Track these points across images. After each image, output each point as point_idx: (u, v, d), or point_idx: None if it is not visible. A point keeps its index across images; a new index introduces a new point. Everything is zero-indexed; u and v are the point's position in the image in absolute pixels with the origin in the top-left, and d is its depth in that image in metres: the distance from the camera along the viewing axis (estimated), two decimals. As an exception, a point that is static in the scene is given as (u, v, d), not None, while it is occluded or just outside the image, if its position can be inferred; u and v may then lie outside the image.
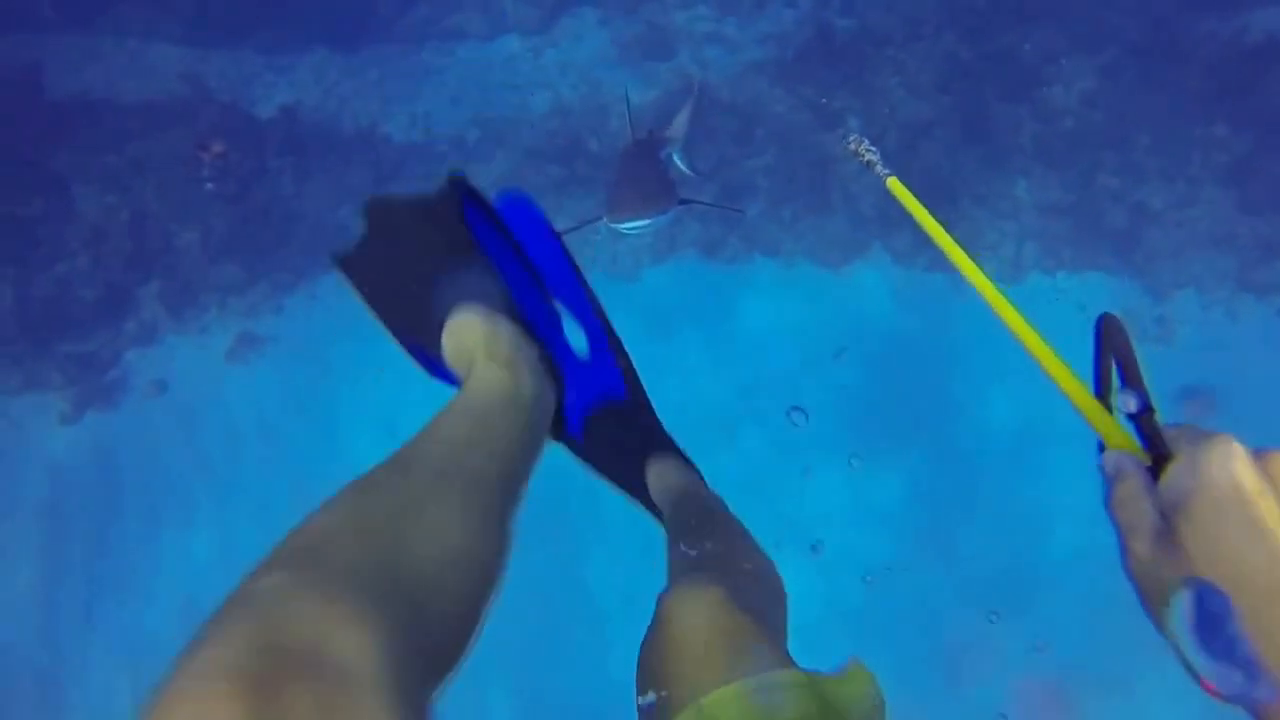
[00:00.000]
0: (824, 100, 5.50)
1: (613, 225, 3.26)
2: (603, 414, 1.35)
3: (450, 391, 1.03)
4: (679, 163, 4.08)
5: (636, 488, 1.44)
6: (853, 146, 1.38)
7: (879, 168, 1.27)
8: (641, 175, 3.43)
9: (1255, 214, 5.52)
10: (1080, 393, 0.77)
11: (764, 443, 5.18)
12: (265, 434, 5.38)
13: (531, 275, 1.18)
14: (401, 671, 0.59)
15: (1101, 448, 0.76)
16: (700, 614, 1.07)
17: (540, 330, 1.16)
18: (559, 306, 1.26)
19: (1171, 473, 0.67)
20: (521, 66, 5.68)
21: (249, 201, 5.23)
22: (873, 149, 1.33)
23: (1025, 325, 0.83)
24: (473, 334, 1.03)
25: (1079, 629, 4.50)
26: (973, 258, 0.93)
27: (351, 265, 1.16)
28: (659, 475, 1.40)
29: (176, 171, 5.11)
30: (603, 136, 5.64)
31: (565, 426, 1.31)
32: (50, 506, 5.38)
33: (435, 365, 1.17)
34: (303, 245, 5.39)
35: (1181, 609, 0.62)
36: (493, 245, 1.14)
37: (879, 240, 5.57)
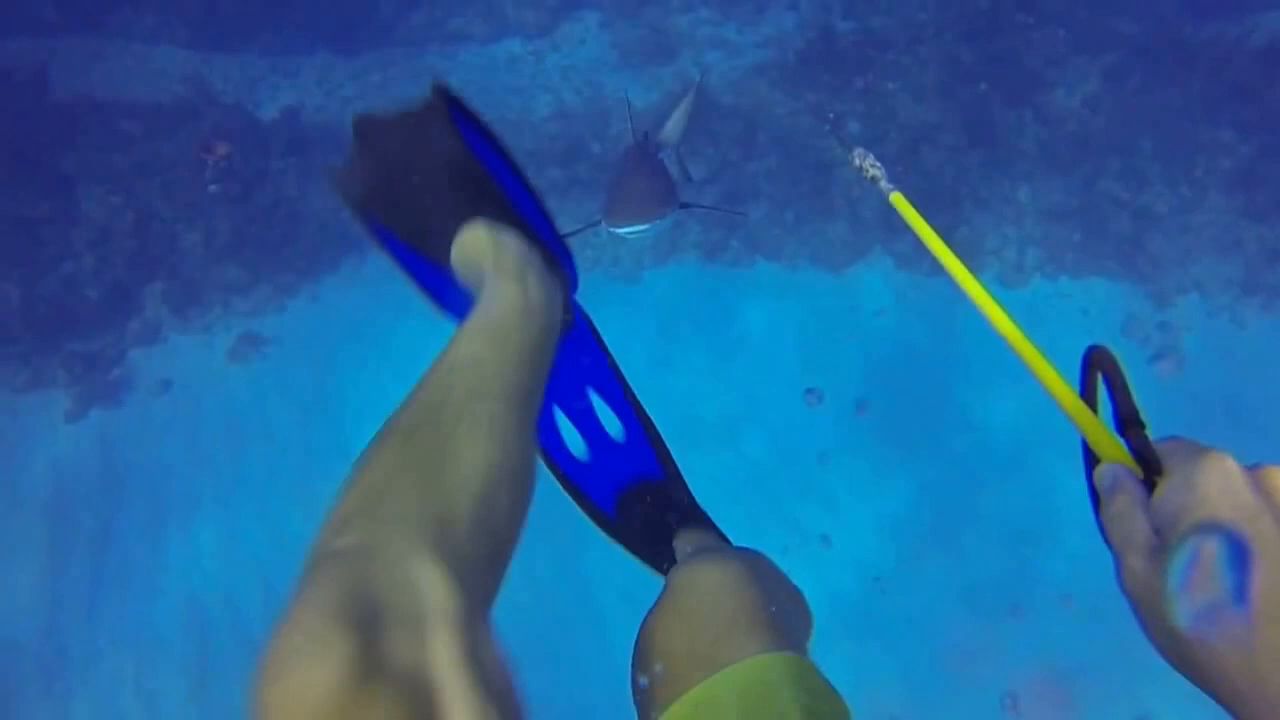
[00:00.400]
0: (830, 116, 5.49)
1: (611, 230, 3.26)
2: (637, 492, 1.46)
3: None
4: (669, 166, 4.08)
5: (666, 561, 1.47)
6: (857, 162, 1.38)
7: (883, 183, 1.28)
8: (641, 179, 3.42)
9: (1261, 220, 5.48)
10: (1077, 406, 0.77)
11: (765, 444, 5.18)
12: (267, 433, 5.42)
13: (521, 179, 1.16)
14: (475, 600, 0.66)
15: (1092, 459, 0.76)
16: (722, 585, 1.07)
17: (539, 232, 1.13)
18: (593, 395, 1.44)
19: (1166, 489, 0.66)
20: (523, 69, 5.70)
21: (252, 202, 5.27)
22: (877, 164, 1.33)
23: (1022, 338, 0.83)
24: (480, 249, 1.01)
25: (1084, 635, 4.48)
26: (973, 271, 0.93)
27: (348, 187, 1.11)
28: (687, 540, 1.45)
29: (180, 173, 5.16)
30: (604, 140, 5.65)
31: (597, 505, 1.45)
32: (55, 502, 5.43)
33: (442, 288, 1.14)
34: (305, 246, 5.43)
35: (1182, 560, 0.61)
36: (482, 152, 1.11)
37: (881, 244, 5.57)
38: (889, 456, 5.07)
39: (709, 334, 5.58)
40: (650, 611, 1.13)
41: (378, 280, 5.59)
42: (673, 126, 3.91)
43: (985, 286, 0.90)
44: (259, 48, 5.56)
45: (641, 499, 1.47)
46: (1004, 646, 4.58)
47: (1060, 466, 4.96)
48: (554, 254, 1.10)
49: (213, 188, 5.28)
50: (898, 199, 1.16)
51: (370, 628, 0.57)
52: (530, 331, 0.93)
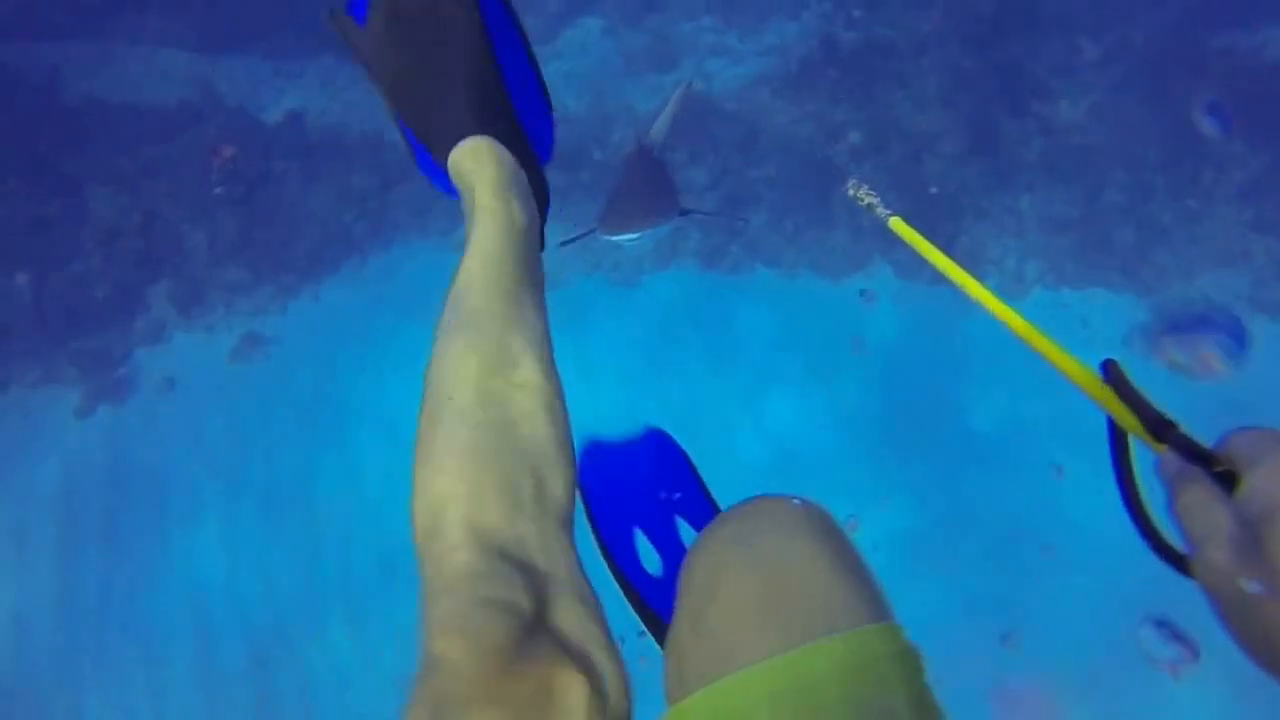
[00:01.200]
0: (836, 147, 5.47)
1: (605, 237, 3.27)
2: None
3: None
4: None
5: None
6: (852, 191, 1.41)
7: (880, 209, 1.30)
8: (640, 186, 3.42)
9: (1269, 232, 5.39)
10: (1116, 404, 0.77)
11: (763, 447, 5.18)
12: (268, 432, 5.49)
13: (535, 74, 1.19)
14: (569, 546, 0.82)
15: (1119, 446, 0.77)
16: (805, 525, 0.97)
17: (531, 132, 1.18)
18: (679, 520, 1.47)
19: (1255, 480, 0.65)
20: (526, 74, 5.75)
21: (255, 204, 5.35)
22: (873, 193, 1.36)
23: (1043, 339, 0.86)
24: (478, 165, 1.05)
25: (1079, 642, 4.44)
26: (983, 284, 0.96)
27: (356, 37, 1.13)
28: None
29: (186, 174, 5.25)
30: (606, 146, 5.68)
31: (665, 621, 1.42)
32: (65, 495, 5.54)
33: (432, 168, 1.16)
34: (307, 248, 5.51)
35: None
36: (499, 41, 1.15)
37: (880, 253, 5.54)
38: (888, 462, 5.06)
39: (708, 339, 5.59)
40: (705, 542, 1.00)
41: (379, 281, 5.66)
42: (657, 128, 3.92)
43: (996, 295, 0.93)
44: (263, 51, 5.65)
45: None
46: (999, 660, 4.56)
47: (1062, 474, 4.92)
48: (539, 175, 1.14)
49: (218, 190, 5.36)
50: (897, 223, 1.18)
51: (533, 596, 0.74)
52: (521, 252, 1.01)
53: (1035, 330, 0.87)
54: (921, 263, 4.43)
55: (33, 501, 5.51)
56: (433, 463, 0.85)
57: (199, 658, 5.05)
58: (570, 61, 5.82)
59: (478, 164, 1.04)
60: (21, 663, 5.22)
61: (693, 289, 5.72)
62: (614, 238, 3.26)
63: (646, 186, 3.42)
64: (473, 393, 0.86)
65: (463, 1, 1.10)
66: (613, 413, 5.53)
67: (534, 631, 0.76)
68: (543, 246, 1.15)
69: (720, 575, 0.94)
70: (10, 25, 5.48)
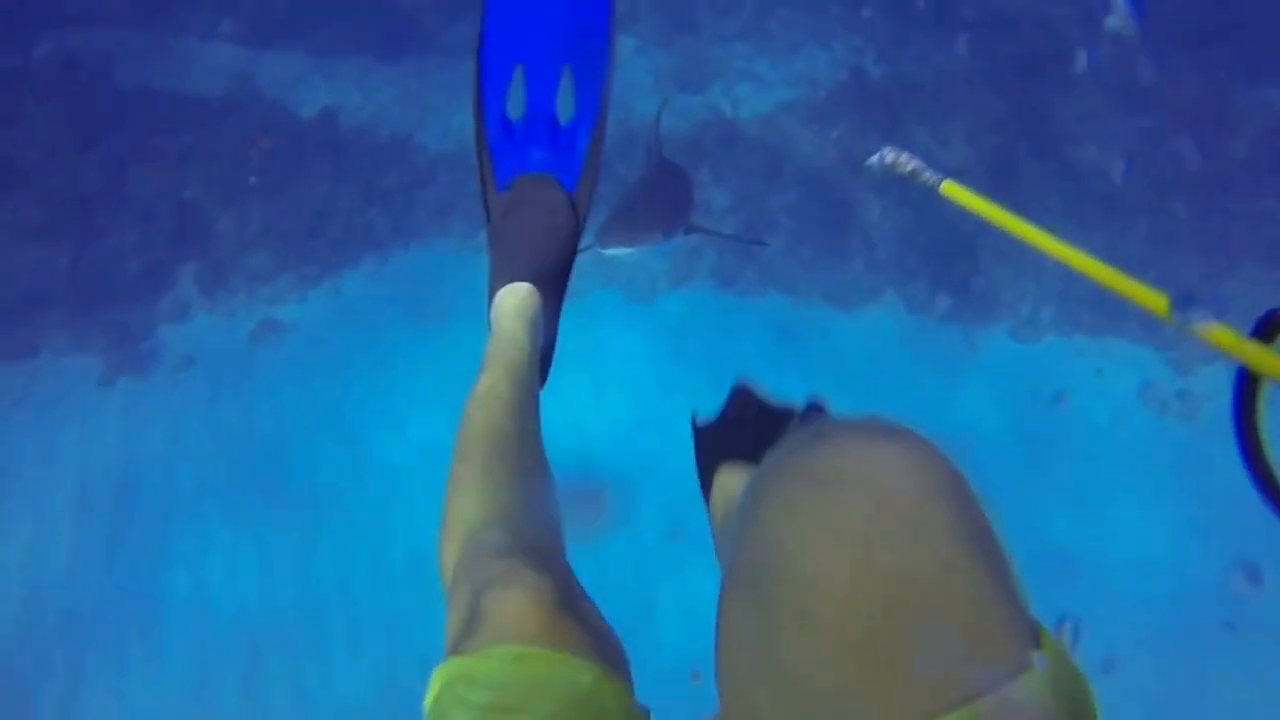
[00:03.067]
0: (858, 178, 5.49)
1: (600, 250, 3.26)
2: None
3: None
4: None
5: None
6: (889, 159, 1.34)
7: (927, 175, 1.24)
8: (642, 201, 3.40)
9: (1298, 292, 5.26)
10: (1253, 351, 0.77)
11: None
12: (279, 416, 5.62)
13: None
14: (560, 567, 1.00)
15: (1244, 393, 0.77)
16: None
17: None
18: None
19: None
20: (557, 88, 5.87)
21: (285, 195, 5.54)
22: (913, 158, 1.29)
23: (1134, 285, 0.86)
24: (510, 295, 1.37)
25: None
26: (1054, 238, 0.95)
27: (492, 195, 1.47)
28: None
29: (222, 162, 5.46)
30: (630, 162, 5.75)
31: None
32: (82, 461, 5.70)
33: None
34: (332, 241, 5.67)
35: None
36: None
37: (894, 287, 5.52)
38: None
39: (718, 360, 5.60)
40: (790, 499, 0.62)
41: (397, 278, 5.79)
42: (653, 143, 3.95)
43: (1072, 248, 0.94)
44: (305, 48, 5.87)
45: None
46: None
47: (1060, 509, 4.83)
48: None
49: (253, 179, 5.55)
50: (950, 188, 1.15)
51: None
52: (534, 380, 1.31)
53: (1116, 274, 0.88)
54: (934, 298, 4.40)
55: (51, 464, 5.68)
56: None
57: (196, 624, 5.16)
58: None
59: (512, 295, 1.35)
60: (30, 615, 5.38)
61: (707, 309, 5.75)
62: (606, 251, 3.27)
63: (649, 202, 3.42)
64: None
65: (574, 217, 1.43)
66: (619, 426, 5.57)
67: (568, 601, 0.89)
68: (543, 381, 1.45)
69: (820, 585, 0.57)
70: (72, 13, 5.78)
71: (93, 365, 5.83)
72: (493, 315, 1.40)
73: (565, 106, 1.47)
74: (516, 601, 0.87)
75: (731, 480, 1.34)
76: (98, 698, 5.01)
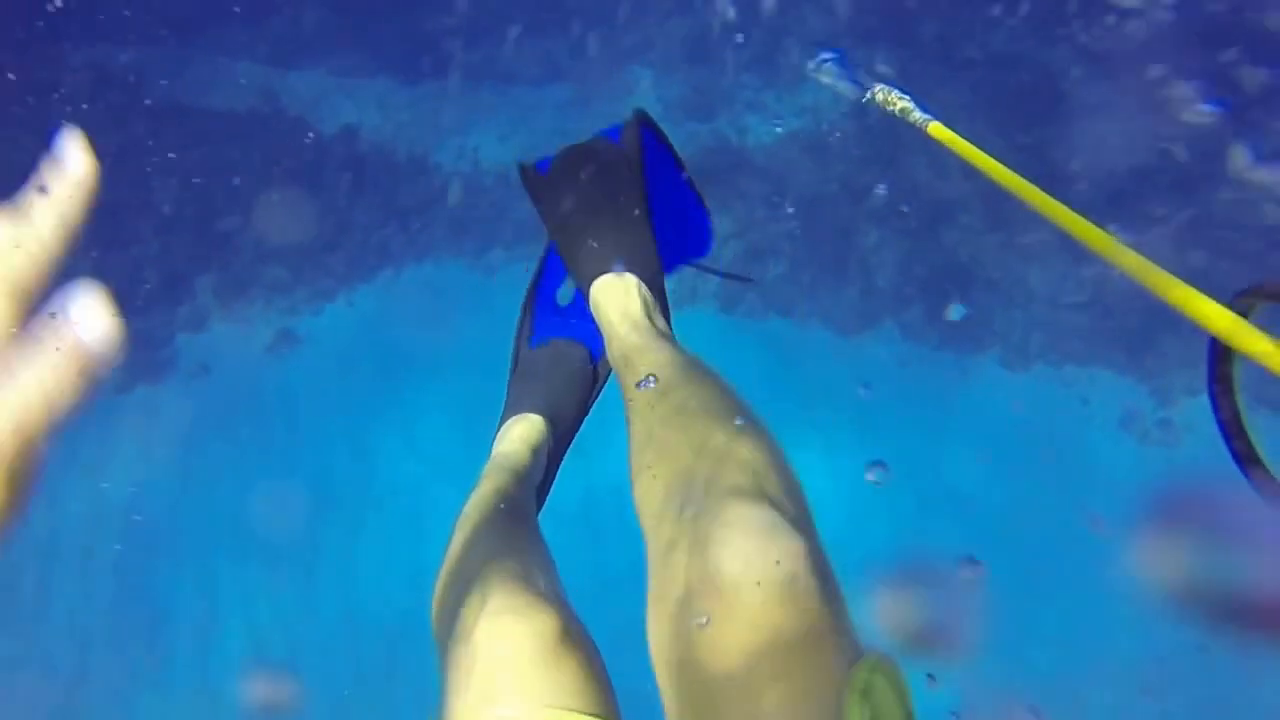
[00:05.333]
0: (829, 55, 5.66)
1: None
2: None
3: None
4: None
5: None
6: (880, 97, 1.42)
7: (915, 114, 1.32)
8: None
9: None
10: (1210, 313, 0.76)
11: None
12: (291, 426, 5.77)
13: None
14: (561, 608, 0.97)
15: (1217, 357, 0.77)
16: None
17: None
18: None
19: None
20: (570, 113, 6.06)
21: (304, 210, 5.70)
22: (904, 95, 1.37)
23: (1112, 244, 0.86)
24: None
25: None
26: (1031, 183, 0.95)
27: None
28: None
29: (245, 176, 5.63)
30: (639, 186, 5.94)
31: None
32: (96, 466, 5.82)
33: (575, 301, 1.51)
34: (347, 256, 5.84)
35: None
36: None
37: (891, 315, 5.71)
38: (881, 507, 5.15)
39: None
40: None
41: (410, 294, 5.95)
42: None
43: (1042, 191, 0.91)
44: (328, 68, 6.06)
45: (584, 160, 1.43)
46: None
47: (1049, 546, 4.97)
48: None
49: (275, 196, 5.72)
50: (937, 129, 1.22)
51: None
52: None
53: (1100, 233, 0.87)
54: (930, 327, 4.57)
55: (70, 469, 5.80)
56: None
57: (197, 631, 5.28)
58: (612, 103, 6.12)
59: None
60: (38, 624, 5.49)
61: (708, 332, 5.92)
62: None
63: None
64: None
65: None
66: (616, 446, 5.72)
67: (568, 632, 0.87)
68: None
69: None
70: (105, 30, 5.95)
71: (110, 372, 5.96)
72: (498, 437, 1.44)
73: None
74: (514, 635, 0.84)
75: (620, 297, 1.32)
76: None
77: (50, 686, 5.32)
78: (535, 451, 1.40)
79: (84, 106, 5.29)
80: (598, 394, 1.53)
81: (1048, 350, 5.51)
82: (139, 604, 5.53)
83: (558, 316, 1.56)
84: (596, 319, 1.33)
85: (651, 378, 1.13)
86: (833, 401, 5.50)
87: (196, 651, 5.34)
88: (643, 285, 1.31)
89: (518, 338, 1.56)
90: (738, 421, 0.99)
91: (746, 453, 0.92)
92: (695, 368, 1.15)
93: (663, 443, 1.01)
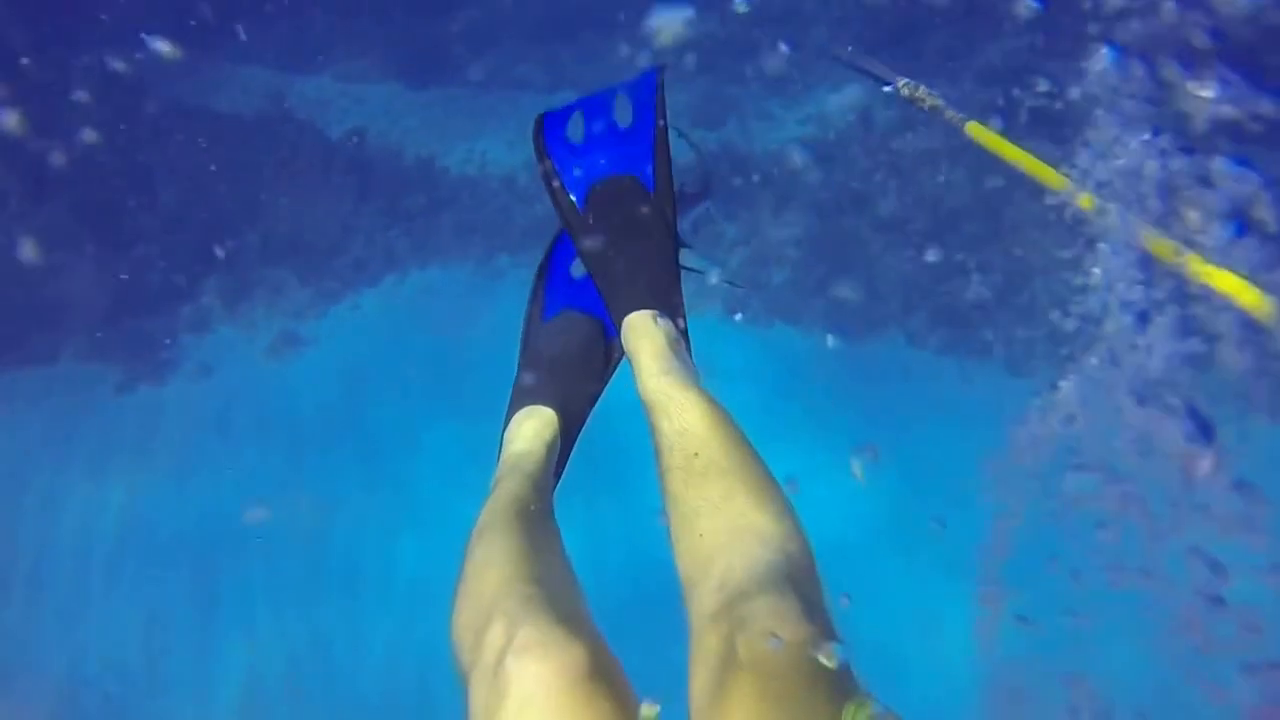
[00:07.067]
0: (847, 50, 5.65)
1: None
2: (615, 190, 1.44)
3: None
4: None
5: (616, 303, 1.45)
6: (907, 93, 1.38)
7: (949, 113, 1.29)
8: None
9: None
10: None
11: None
12: (293, 427, 5.71)
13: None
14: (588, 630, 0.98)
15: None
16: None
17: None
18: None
19: None
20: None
21: (310, 212, 5.71)
22: (933, 92, 1.34)
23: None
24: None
25: None
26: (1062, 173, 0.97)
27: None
28: (643, 337, 1.42)
29: (251, 178, 5.64)
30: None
31: (566, 188, 1.46)
32: (98, 464, 5.76)
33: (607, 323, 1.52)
34: (353, 259, 5.83)
35: None
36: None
37: (896, 321, 5.71)
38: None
39: (723, 385, 5.73)
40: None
41: (415, 298, 5.93)
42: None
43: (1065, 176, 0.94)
44: (334, 73, 6.08)
45: (618, 200, 1.42)
46: None
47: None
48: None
49: (280, 198, 5.73)
50: (975, 128, 1.20)
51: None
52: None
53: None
54: (934, 330, 4.53)
55: (68, 466, 5.74)
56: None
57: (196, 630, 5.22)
58: (618, 111, 6.17)
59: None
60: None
61: (713, 338, 5.91)
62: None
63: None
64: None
65: (660, 211, 1.43)
66: (619, 447, 5.69)
67: (600, 667, 0.86)
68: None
69: None
70: (113, 33, 5.97)
71: (111, 372, 5.92)
72: (510, 432, 1.43)
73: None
74: (543, 673, 0.84)
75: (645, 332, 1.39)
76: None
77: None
78: (549, 449, 1.40)
79: (91, 108, 5.28)
80: (610, 375, 1.53)
81: (1049, 355, 5.52)
82: (135, 609, 5.46)
83: (571, 287, 1.57)
84: (627, 353, 1.39)
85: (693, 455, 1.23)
86: (837, 407, 5.49)
87: (196, 655, 5.27)
88: (671, 325, 1.39)
89: (529, 312, 1.57)
90: (763, 489, 1.13)
91: (770, 527, 1.05)
92: (722, 425, 1.26)
93: (699, 510, 1.12)
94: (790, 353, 5.73)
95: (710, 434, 1.22)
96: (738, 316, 5.65)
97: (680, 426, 1.24)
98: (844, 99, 6.11)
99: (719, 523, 1.07)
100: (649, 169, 1.45)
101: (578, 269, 1.56)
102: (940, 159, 5.77)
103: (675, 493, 1.17)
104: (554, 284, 1.57)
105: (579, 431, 1.49)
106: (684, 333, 1.45)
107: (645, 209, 1.42)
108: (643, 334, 1.37)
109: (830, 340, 5.52)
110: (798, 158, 5.98)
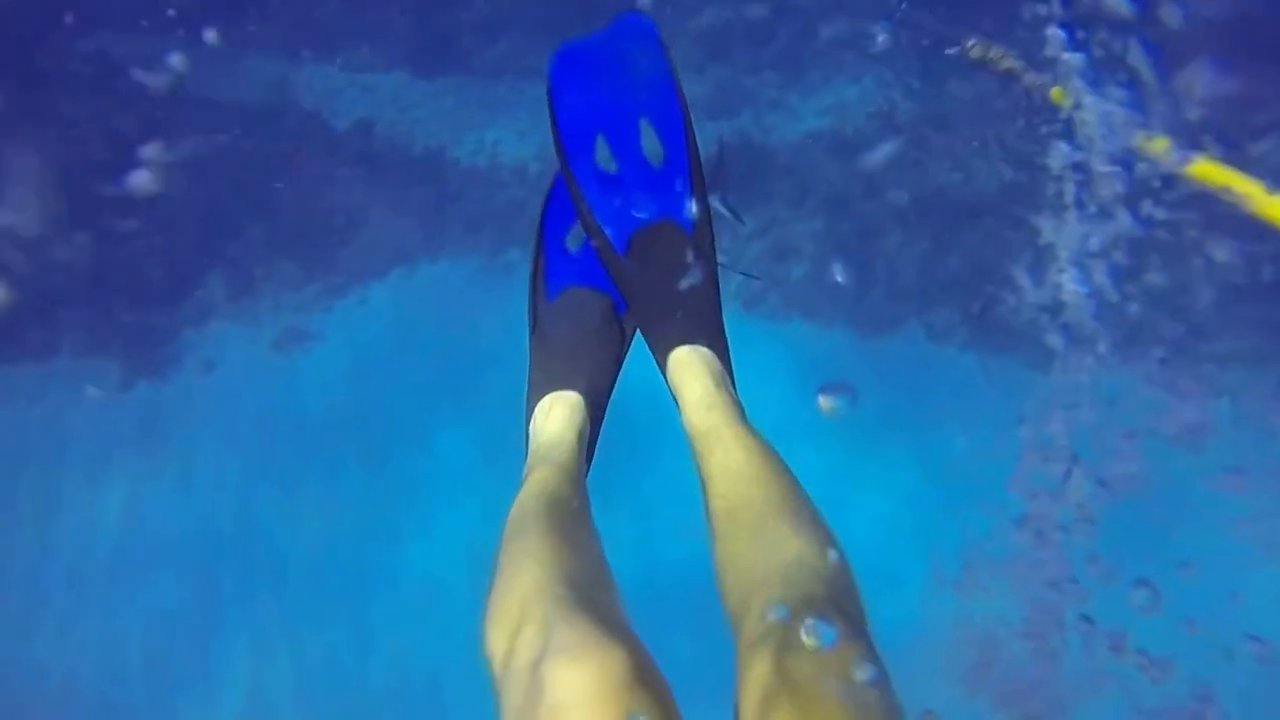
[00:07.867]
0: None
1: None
2: (655, 234, 1.43)
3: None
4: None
5: (658, 339, 1.46)
6: (976, 52, 1.29)
7: (1030, 76, 1.20)
8: None
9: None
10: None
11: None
12: (298, 424, 5.60)
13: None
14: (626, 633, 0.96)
15: None
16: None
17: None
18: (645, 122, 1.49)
19: None
20: (590, 109, 5.97)
21: (316, 204, 5.58)
22: (1011, 52, 1.23)
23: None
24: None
25: None
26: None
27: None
28: (687, 370, 1.43)
29: (255, 169, 5.51)
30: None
31: (608, 237, 1.44)
32: (96, 464, 5.63)
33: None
34: (361, 252, 5.71)
35: None
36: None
37: (915, 316, 5.63)
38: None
39: (743, 388, 5.64)
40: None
41: (424, 293, 5.81)
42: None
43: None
44: (341, 62, 5.96)
45: (657, 242, 1.41)
46: None
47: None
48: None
49: (279, 186, 5.59)
50: (1058, 94, 1.13)
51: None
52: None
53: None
54: (954, 328, 4.44)
55: (62, 463, 5.61)
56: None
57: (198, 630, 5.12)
58: (631, 101, 6.06)
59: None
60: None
61: (730, 332, 5.81)
62: None
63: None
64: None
65: (621, 329, 1.47)
66: (634, 441, 5.60)
67: (639, 673, 0.83)
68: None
69: None
70: (112, 19, 5.82)
71: (110, 367, 5.79)
72: (536, 422, 1.40)
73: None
74: (581, 680, 0.81)
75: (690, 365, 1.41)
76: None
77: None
78: (580, 436, 1.38)
79: (90, 96, 5.14)
80: (626, 352, 1.52)
81: (1069, 352, 5.44)
82: (136, 611, 5.34)
83: (570, 264, 1.55)
84: (672, 389, 1.41)
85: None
86: (858, 404, 5.40)
87: (196, 657, 5.15)
88: (715, 359, 1.42)
89: (533, 293, 1.54)
90: (805, 519, 1.15)
91: (812, 554, 1.06)
92: (767, 461, 1.27)
93: (742, 545, 1.14)
94: (808, 349, 5.65)
95: (755, 470, 1.24)
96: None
97: (725, 461, 1.27)
98: (864, 90, 6.02)
99: (762, 556, 1.09)
100: (686, 210, 1.46)
101: (573, 242, 1.55)
102: (960, 153, 5.69)
103: (720, 530, 1.20)
104: (552, 262, 1.54)
105: (604, 414, 1.47)
106: (729, 367, 1.46)
107: (687, 250, 1.43)
108: (687, 368, 1.39)
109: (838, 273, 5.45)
110: (816, 149, 5.89)
